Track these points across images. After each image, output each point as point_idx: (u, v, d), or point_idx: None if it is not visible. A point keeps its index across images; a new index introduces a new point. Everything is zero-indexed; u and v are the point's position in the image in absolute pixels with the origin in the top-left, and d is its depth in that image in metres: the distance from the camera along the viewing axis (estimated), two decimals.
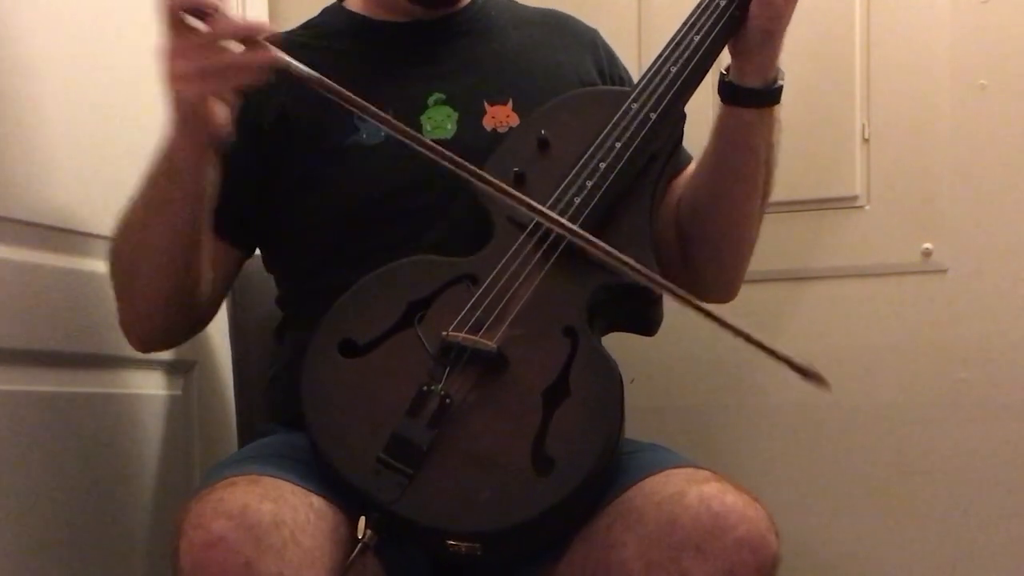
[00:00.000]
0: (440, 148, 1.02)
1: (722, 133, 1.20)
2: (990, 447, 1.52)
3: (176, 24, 1.00)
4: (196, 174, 1.10)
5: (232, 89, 1.03)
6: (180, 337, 1.30)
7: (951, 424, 1.54)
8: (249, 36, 1.00)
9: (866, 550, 1.57)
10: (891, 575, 1.56)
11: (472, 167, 1.03)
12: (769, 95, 1.18)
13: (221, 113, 1.05)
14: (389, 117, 1.03)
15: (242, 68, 1.01)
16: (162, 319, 1.22)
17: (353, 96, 1.01)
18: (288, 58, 1.01)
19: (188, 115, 1.05)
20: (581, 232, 1.07)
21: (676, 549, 0.98)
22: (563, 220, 1.08)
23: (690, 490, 1.01)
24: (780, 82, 1.18)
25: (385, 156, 1.21)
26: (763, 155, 1.20)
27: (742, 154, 1.20)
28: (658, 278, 1.07)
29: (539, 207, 1.07)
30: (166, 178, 1.11)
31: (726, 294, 1.32)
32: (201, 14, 0.99)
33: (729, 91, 1.18)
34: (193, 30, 1.00)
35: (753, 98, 1.17)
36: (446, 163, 1.02)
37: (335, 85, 1.01)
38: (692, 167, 1.30)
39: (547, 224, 1.08)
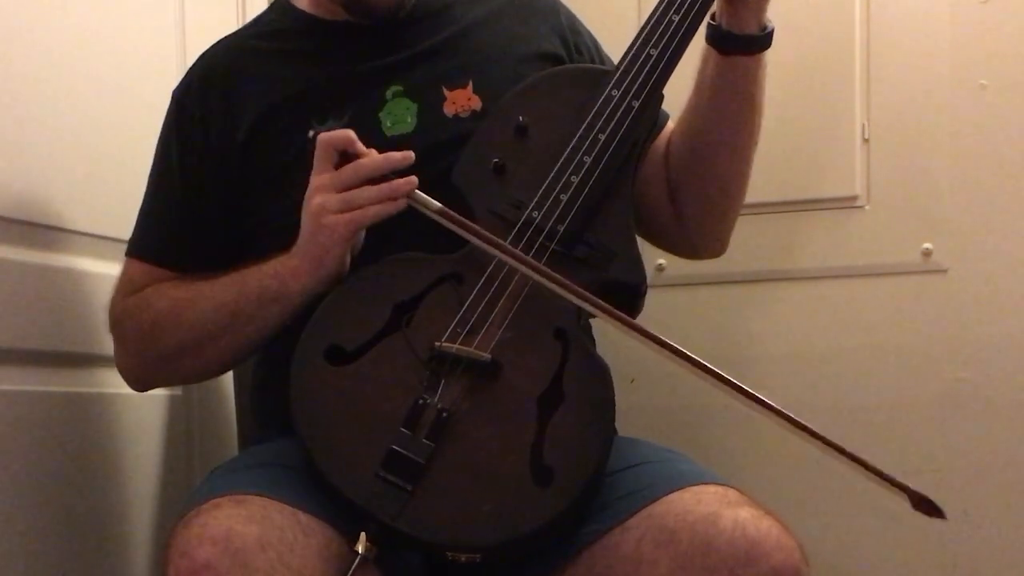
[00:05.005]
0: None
1: (720, 83, 1.18)
2: (990, 447, 1.52)
3: (327, 160, 1.11)
4: (304, 302, 1.14)
5: (372, 221, 1.10)
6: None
7: (951, 424, 1.53)
8: (389, 170, 1.10)
9: (866, 550, 1.57)
10: (891, 575, 1.56)
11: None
12: (766, 39, 1.17)
13: (347, 248, 1.12)
14: (506, 245, 1.09)
15: (381, 197, 1.09)
16: (191, 381, 1.33)
17: (473, 225, 1.09)
18: (422, 195, 1.10)
19: (326, 246, 1.10)
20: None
21: (710, 572, 0.98)
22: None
23: (725, 513, 1.00)
24: (771, 25, 1.17)
25: None
26: (758, 98, 1.20)
27: (739, 101, 1.18)
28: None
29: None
30: (271, 300, 1.14)
31: (721, 246, 1.31)
32: (349, 155, 1.11)
33: (729, 41, 1.16)
34: (340, 167, 1.11)
35: (751, 44, 1.16)
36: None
37: (459, 217, 1.10)
38: (671, 124, 1.28)
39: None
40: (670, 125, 1.29)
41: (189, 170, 1.24)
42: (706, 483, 1.06)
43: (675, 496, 1.03)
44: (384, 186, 1.09)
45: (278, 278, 1.13)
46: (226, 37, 1.34)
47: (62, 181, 1.34)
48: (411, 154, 1.11)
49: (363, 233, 1.12)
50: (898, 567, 1.56)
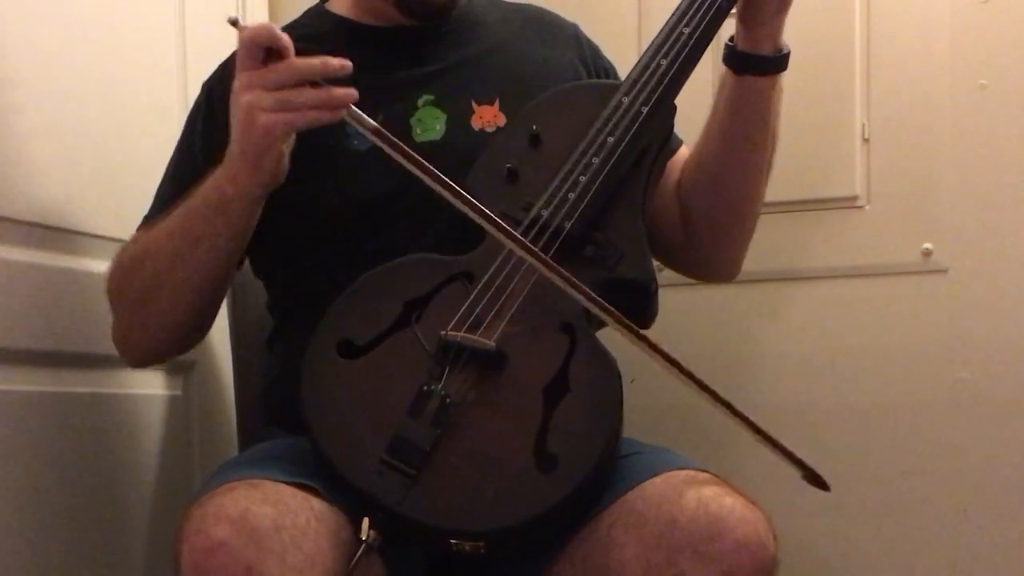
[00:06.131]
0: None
1: (734, 104, 1.20)
2: (990, 447, 1.52)
3: (254, 58, 1.04)
4: (248, 211, 1.11)
5: (308, 126, 1.04)
6: (175, 355, 1.30)
7: (951, 424, 1.53)
8: (324, 75, 1.03)
9: (866, 550, 1.57)
10: (891, 575, 1.56)
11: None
12: (780, 61, 1.18)
13: (284, 149, 1.07)
14: (442, 176, 1.04)
15: (319, 103, 1.03)
16: (168, 342, 1.23)
17: (411, 152, 1.03)
18: (359, 112, 1.03)
19: (262, 146, 1.05)
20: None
21: (674, 551, 0.98)
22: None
23: (689, 492, 1.01)
24: (787, 48, 1.19)
25: (376, 161, 1.21)
26: (772, 123, 1.21)
27: (754, 123, 1.20)
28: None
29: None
30: (215, 212, 1.11)
31: (732, 272, 1.32)
32: (277, 54, 1.03)
33: (743, 61, 1.18)
34: (268, 66, 1.03)
35: (766, 66, 1.17)
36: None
37: (397, 142, 1.04)
38: (685, 150, 1.30)
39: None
40: (684, 151, 1.31)
41: (213, 146, 1.22)
42: (680, 468, 1.07)
43: (648, 482, 1.05)
44: (323, 91, 1.03)
45: (218, 189, 1.10)
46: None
47: (62, 181, 1.34)
48: (349, 63, 1.04)
49: (294, 137, 1.08)
50: (898, 567, 1.56)
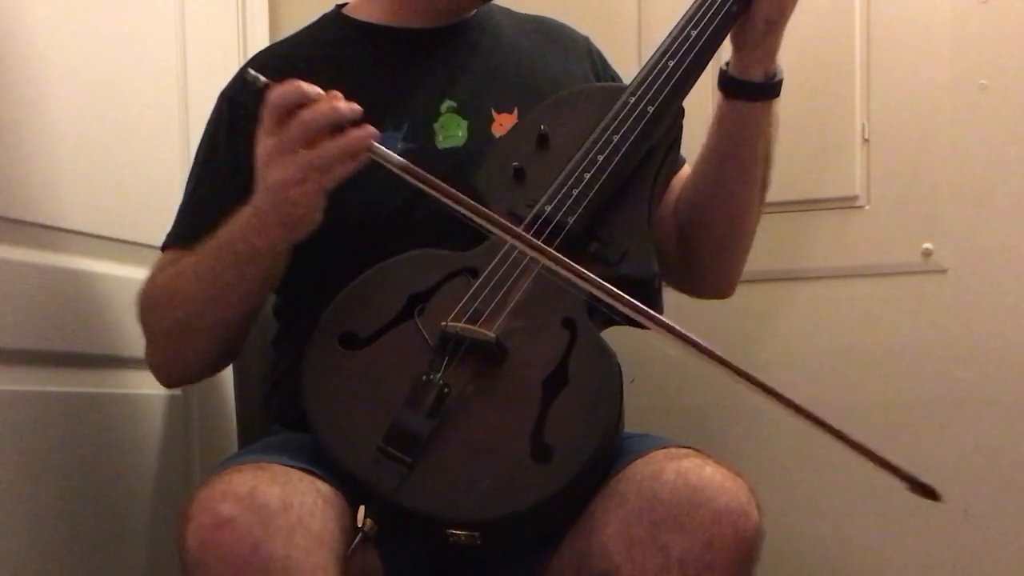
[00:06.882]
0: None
1: (722, 127, 1.21)
2: (990, 447, 1.52)
3: (281, 119, 1.04)
4: (278, 259, 1.12)
5: (336, 182, 1.05)
6: (208, 377, 1.31)
7: (951, 424, 1.53)
8: (341, 121, 1.03)
9: (866, 550, 1.57)
10: (891, 575, 1.56)
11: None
12: (769, 89, 1.19)
13: (319, 206, 1.07)
14: (492, 215, 1.05)
15: (342, 157, 1.03)
16: (203, 369, 1.26)
17: (443, 185, 1.04)
18: (383, 148, 1.04)
19: (295, 214, 1.06)
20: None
21: (656, 524, 0.98)
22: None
23: (668, 466, 1.01)
24: (780, 76, 1.19)
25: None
26: (761, 150, 1.21)
27: (741, 148, 1.21)
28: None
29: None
30: (246, 263, 1.11)
31: (725, 291, 1.33)
32: (305, 105, 1.03)
33: (730, 85, 1.19)
34: (283, 128, 1.03)
35: (754, 91, 1.18)
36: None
37: (425, 175, 1.04)
38: (687, 169, 1.31)
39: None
40: (687, 169, 1.31)
41: (239, 154, 1.21)
42: (661, 447, 1.07)
43: (630, 465, 1.05)
44: (341, 142, 1.03)
45: (246, 240, 1.10)
46: (276, 44, 1.35)
47: (62, 181, 1.34)
48: (358, 108, 1.04)
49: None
50: (898, 566, 1.56)
